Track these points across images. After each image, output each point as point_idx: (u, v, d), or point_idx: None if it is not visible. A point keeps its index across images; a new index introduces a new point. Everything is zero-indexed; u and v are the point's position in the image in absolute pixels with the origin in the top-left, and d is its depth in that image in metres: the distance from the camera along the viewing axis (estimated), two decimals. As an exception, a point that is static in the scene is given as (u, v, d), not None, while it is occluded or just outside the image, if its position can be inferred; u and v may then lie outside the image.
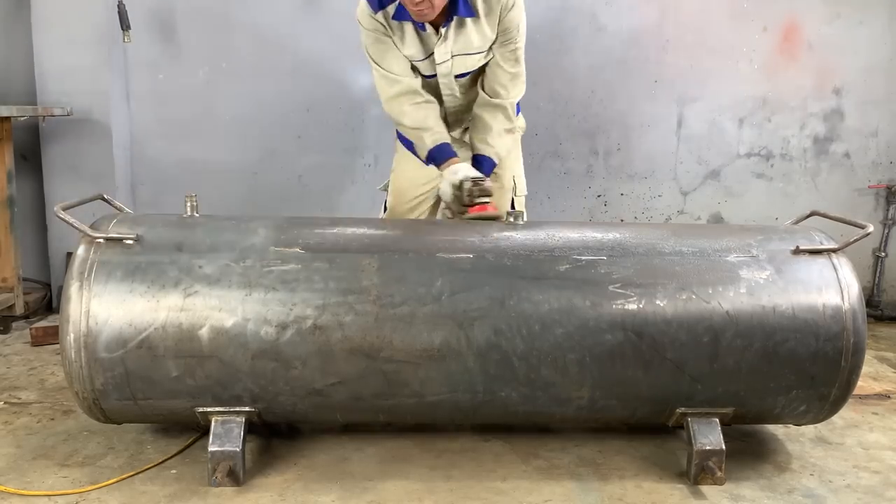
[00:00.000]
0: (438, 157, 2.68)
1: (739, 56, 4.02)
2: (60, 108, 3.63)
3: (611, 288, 2.16)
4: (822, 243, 2.31)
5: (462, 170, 2.58)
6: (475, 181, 2.52)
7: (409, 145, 2.85)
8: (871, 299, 4.12)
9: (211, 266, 2.13)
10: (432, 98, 2.75)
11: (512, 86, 2.73)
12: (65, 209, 2.18)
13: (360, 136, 4.07)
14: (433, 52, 2.66)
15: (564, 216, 4.11)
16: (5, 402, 2.75)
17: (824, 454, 2.47)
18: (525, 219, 2.44)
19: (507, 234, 2.31)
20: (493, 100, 2.75)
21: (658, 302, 2.16)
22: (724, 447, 2.21)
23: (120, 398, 2.15)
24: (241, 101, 4.01)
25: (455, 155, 2.68)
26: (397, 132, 2.94)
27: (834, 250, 2.28)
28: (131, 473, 2.22)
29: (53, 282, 3.91)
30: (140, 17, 3.82)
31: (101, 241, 2.15)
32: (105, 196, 2.51)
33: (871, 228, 2.28)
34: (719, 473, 2.22)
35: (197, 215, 2.35)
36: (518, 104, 2.88)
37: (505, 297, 2.14)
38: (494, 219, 2.47)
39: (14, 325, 3.62)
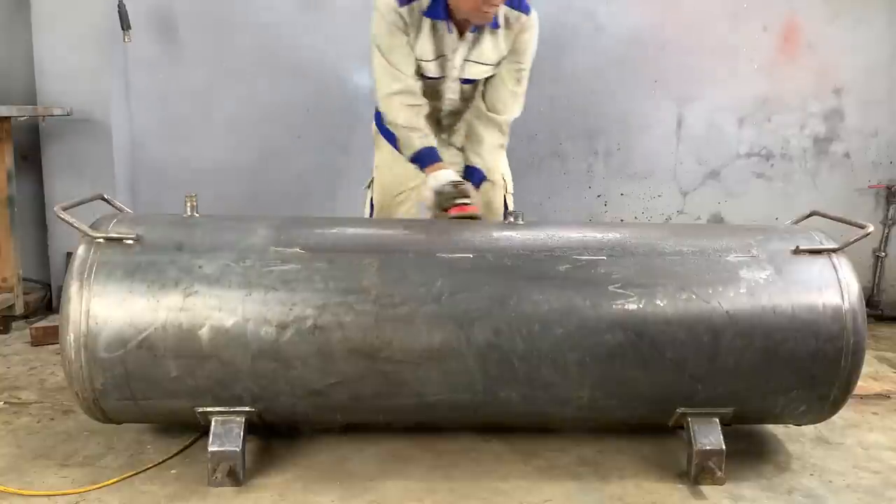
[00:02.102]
0: (425, 159, 2.68)
1: (739, 56, 4.02)
2: (60, 108, 3.63)
3: (611, 288, 2.16)
4: (822, 243, 2.31)
5: (444, 175, 2.60)
6: (454, 184, 2.56)
7: (394, 142, 2.85)
8: (871, 299, 4.12)
9: (211, 266, 2.13)
10: (424, 101, 2.76)
11: (511, 103, 2.80)
12: (65, 209, 2.18)
13: (360, 136, 4.05)
14: (444, 54, 2.69)
15: (564, 216, 4.11)
16: (5, 402, 2.75)
17: (824, 454, 2.47)
18: (525, 219, 2.44)
19: (507, 234, 2.31)
20: (490, 114, 2.82)
21: (658, 302, 2.15)
22: (724, 447, 2.21)
23: (120, 398, 2.15)
24: (241, 101, 4.01)
25: (440, 160, 2.69)
26: (380, 128, 2.95)
27: (834, 250, 2.28)
28: (131, 473, 2.22)
29: (53, 282, 3.91)
30: (140, 17, 3.81)
31: (101, 241, 2.15)
32: (105, 196, 2.51)
33: (871, 228, 2.28)
34: (719, 473, 2.22)
35: (197, 215, 2.35)
36: None
37: (505, 297, 2.14)
38: (475, 217, 2.51)
39: (14, 325, 3.62)
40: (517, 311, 2.13)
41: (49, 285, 3.95)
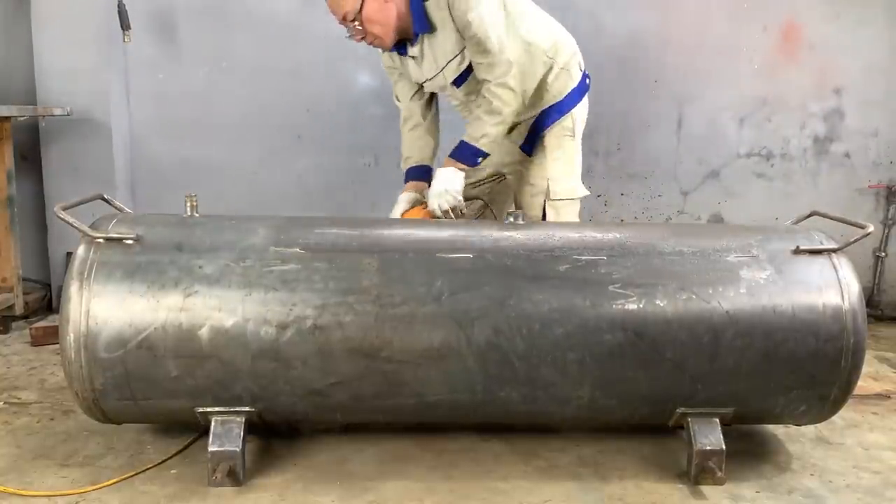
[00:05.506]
0: (406, 177, 2.99)
1: (739, 56, 4.02)
2: (60, 108, 3.63)
3: (611, 288, 2.16)
4: (822, 243, 2.30)
5: (406, 197, 2.85)
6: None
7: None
8: (872, 299, 4.12)
9: (211, 266, 2.13)
10: (421, 119, 3.00)
11: (488, 72, 2.69)
12: (65, 209, 2.18)
13: (360, 136, 4.07)
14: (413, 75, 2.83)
15: (564, 216, 4.11)
16: (5, 402, 2.75)
17: (824, 454, 2.47)
18: (525, 219, 2.44)
19: (507, 234, 2.31)
20: (481, 90, 2.76)
21: (658, 302, 2.15)
22: (724, 447, 2.21)
23: (120, 398, 2.15)
24: (241, 101, 4.01)
25: (414, 180, 2.94)
26: None
27: (834, 250, 2.28)
28: (131, 473, 2.22)
29: (53, 282, 3.91)
30: (140, 17, 3.81)
31: (101, 241, 2.15)
32: (105, 196, 2.51)
33: (871, 228, 2.27)
34: (719, 473, 2.22)
35: (197, 215, 2.35)
36: (572, 98, 2.91)
37: (505, 297, 2.14)
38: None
39: (14, 325, 3.62)
40: (517, 311, 2.13)
41: (49, 285, 3.95)
